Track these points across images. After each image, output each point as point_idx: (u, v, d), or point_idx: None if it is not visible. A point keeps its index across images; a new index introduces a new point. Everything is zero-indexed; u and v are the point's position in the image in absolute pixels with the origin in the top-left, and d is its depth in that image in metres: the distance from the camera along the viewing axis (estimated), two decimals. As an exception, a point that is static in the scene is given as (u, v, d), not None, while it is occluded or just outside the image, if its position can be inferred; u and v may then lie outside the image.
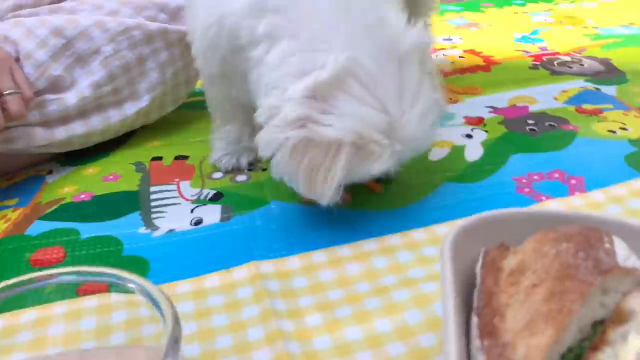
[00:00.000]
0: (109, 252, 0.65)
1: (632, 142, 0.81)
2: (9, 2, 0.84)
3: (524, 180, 0.74)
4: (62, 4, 0.83)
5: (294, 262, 0.61)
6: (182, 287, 0.58)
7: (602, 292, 0.39)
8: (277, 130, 0.58)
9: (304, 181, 0.59)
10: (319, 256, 0.62)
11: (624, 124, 0.87)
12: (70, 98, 0.79)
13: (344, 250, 0.63)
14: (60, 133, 0.80)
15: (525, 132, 0.87)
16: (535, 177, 0.75)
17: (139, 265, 0.62)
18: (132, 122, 0.87)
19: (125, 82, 0.84)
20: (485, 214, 0.49)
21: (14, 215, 0.72)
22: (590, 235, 0.43)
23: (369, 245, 0.63)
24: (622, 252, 0.42)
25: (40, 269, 0.61)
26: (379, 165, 0.58)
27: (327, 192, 0.58)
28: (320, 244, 0.64)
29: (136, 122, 0.88)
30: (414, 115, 0.59)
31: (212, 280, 0.59)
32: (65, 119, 0.80)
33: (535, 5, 1.57)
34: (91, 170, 0.82)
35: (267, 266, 0.60)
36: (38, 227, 0.69)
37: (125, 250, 0.65)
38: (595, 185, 0.71)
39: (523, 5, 1.57)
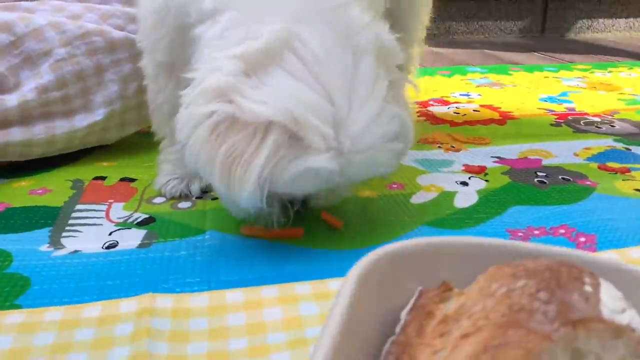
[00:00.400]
0: (-9, 267, 0.53)
1: (663, 203, 0.66)
2: None
3: (520, 234, 0.60)
4: (20, 2, 0.76)
5: (201, 300, 0.48)
6: (52, 314, 0.46)
7: (570, 353, 0.24)
8: (198, 105, 0.47)
9: (220, 171, 0.47)
10: (235, 295, 0.48)
11: (656, 184, 0.72)
12: (11, 100, 0.71)
13: (270, 291, 0.49)
14: None
15: (532, 184, 0.72)
16: (536, 231, 0.60)
17: (17, 284, 0.50)
18: (84, 137, 0.78)
19: (77, 90, 0.75)
20: (427, 239, 0.35)
21: None
22: (563, 272, 0.28)
23: (303, 288, 0.49)
24: (612, 302, 0.28)
25: None
26: (318, 163, 0.46)
27: (245, 188, 0.46)
28: (245, 282, 0.51)
29: (89, 139, 0.79)
30: (363, 117, 0.47)
31: (92, 310, 0.46)
32: (3, 122, 0.71)
33: (569, 72, 1.45)
34: (23, 183, 0.72)
35: (165, 301, 0.47)
36: None
37: (12, 266, 0.53)
38: (609, 246, 0.56)
39: (556, 72, 1.46)
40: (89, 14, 0.77)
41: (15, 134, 0.72)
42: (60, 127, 0.75)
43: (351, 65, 0.47)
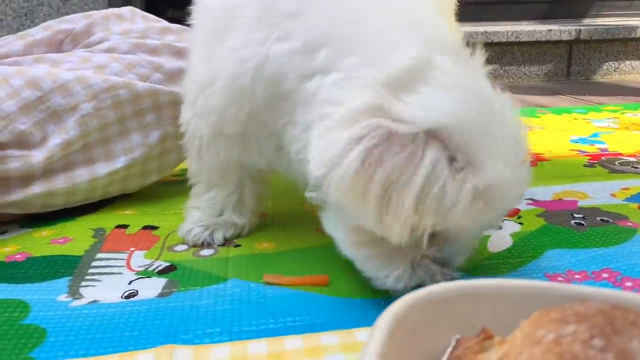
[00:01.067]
0: (8, 317, 0.52)
1: None
2: (1, 50, 0.79)
3: (560, 278, 0.56)
4: (49, 55, 0.77)
5: (222, 351, 0.45)
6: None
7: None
8: (345, 127, 0.43)
9: (375, 204, 0.42)
10: (258, 347, 0.46)
11: (703, 225, 0.68)
12: (37, 156, 0.71)
13: (294, 342, 0.46)
14: (17, 194, 0.70)
15: (569, 226, 0.69)
16: (577, 276, 0.57)
17: (33, 336, 0.49)
18: (106, 186, 0.77)
19: (97, 139, 0.75)
20: (465, 283, 0.33)
21: None
22: (618, 317, 0.25)
23: (329, 338, 0.46)
24: (678, 351, 0.24)
25: None
26: (497, 176, 0.43)
27: (401, 218, 0.41)
28: (269, 332, 0.48)
29: (111, 188, 0.78)
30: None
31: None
32: (27, 178, 0.71)
33: (598, 114, 1.41)
34: (45, 232, 0.71)
35: (184, 353, 0.45)
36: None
37: (30, 317, 0.52)
38: (660, 291, 0.52)
39: (585, 113, 1.43)
40: (114, 63, 0.77)
41: (37, 187, 0.72)
42: (81, 176, 0.74)
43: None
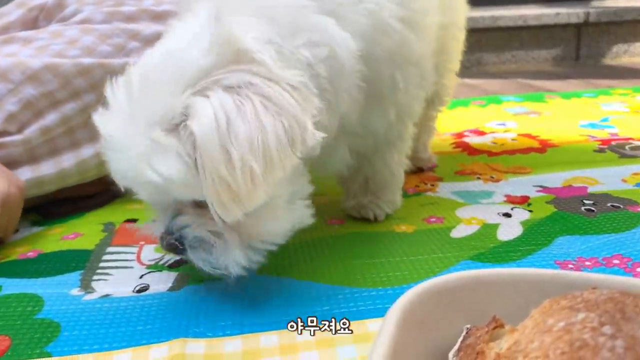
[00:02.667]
0: (23, 312, 0.52)
1: None
2: None
3: (570, 266, 0.56)
4: (19, 34, 0.76)
5: (234, 344, 0.46)
6: (82, 362, 0.44)
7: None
8: None
9: None
10: (270, 339, 0.46)
11: None
12: (13, 140, 0.71)
13: (306, 334, 0.46)
14: None
15: (579, 212, 0.69)
16: (588, 262, 0.56)
17: (47, 331, 0.49)
18: (97, 166, 0.76)
19: (80, 121, 0.74)
20: (472, 272, 0.33)
21: (-54, 266, 0.62)
22: (628, 303, 0.25)
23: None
24: (689, 337, 0.24)
25: None
26: None
27: None
28: (280, 324, 0.48)
29: (102, 170, 0.77)
30: None
31: (122, 357, 0.45)
32: (10, 163, 0.71)
33: (608, 97, 1.40)
34: (56, 230, 0.72)
35: (197, 346, 0.45)
36: (-40, 281, 0.58)
37: (43, 312, 0.52)
38: (671, 276, 0.52)
39: (594, 97, 1.41)
40: (86, 36, 0.76)
41: (25, 173, 0.72)
42: (67, 160, 0.74)
43: None
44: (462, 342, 0.30)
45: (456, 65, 0.84)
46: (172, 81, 0.45)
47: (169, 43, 0.50)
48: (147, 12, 0.80)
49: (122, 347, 0.46)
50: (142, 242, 0.67)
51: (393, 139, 0.67)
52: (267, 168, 0.44)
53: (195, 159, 0.44)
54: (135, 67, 0.49)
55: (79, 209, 0.80)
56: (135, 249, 0.65)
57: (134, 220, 0.73)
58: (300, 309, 0.51)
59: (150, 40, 0.76)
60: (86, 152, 0.75)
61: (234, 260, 0.49)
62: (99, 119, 0.48)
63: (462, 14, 0.81)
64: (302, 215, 0.53)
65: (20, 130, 0.71)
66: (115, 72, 0.74)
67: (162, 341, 0.46)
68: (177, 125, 0.44)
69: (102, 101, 0.75)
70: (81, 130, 0.75)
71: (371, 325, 0.47)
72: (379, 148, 0.67)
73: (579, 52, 2.06)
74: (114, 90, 0.48)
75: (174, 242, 0.50)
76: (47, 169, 0.73)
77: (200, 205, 0.48)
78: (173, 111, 0.44)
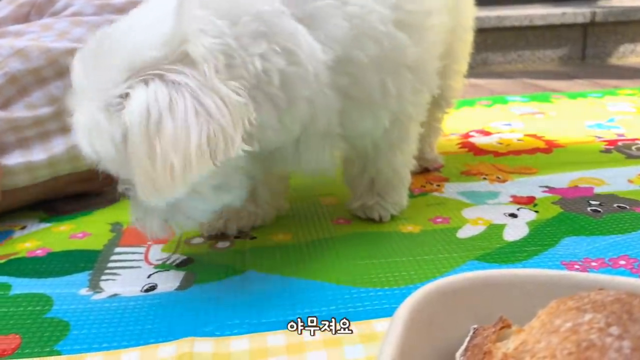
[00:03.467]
0: (32, 311, 0.53)
1: None
2: None
3: (577, 266, 0.56)
4: (9, 28, 0.77)
5: (241, 343, 0.46)
6: (90, 360, 0.45)
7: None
8: None
9: None
10: (277, 338, 0.46)
11: None
12: None
13: (308, 334, 0.46)
14: None
15: (585, 213, 0.69)
16: (594, 263, 0.57)
17: (57, 329, 0.50)
18: None
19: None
20: (479, 272, 0.33)
21: (-42, 264, 0.63)
22: (635, 304, 0.25)
23: (353, 328, 0.47)
24: (696, 338, 0.24)
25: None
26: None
27: None
28: (286, 323, 0.48)
29: None
30: None
31: (131, 356, 0.45)
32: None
33: (614, 97, 1.40)
34: (63, 227, 0.73)
35: (205, 345, 0.46)
36: (-30, 279, 0.59)
37: (53, 311, 0.53)
38: (678, 277, 0.52)
39: (600, 97, 1.41)
40: (76, 28, 0.76)
41: (15, 158, 0.72)
42: (58, 146, 0.75)
43: None
44: (469, 342, 0.30)
45: (463, 67, 0.84)
46: (121, 65, 0.47)
47: (131, 20, 0.52)
48: (135, 3, 0.80)
49: (130, 346, 0.47)
50: (149, 242, 0.67)
51: (394, 141, 0.67)
52: (186, 168, 0.45)
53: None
54: (98, 39, 0.51)
55: (87, 206, 0.80)
56: (142, 249, 0.65)
57: (142, 220, 0.73)
58: (307, 309, 0.51)
59: None
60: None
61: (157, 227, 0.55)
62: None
63: (470, 15, 0.81)
64: (232, 199, 0.56)
65: (5, 105, 0.71)
66: None
67: (170, 340, 0.47)
68: (114, 107, 0.47)
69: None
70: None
71: (378, 325, 0.47)
72: (380, 149, 0.67)
73: (585, 51, 2.05)
74: (75, 64, 0.51)
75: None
76: (37, 154, 0.73)
77: None
78: (113, 93, 0.47)
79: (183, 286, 0.57)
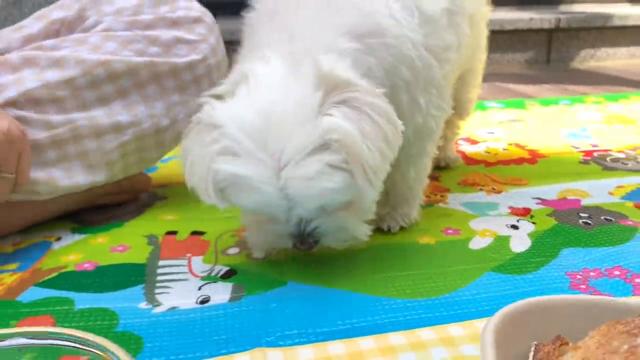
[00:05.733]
0: (101, 325, 0.57)
1: None
2: None
3: (579, 276, 0.65)
4: (44, 43, 0.79)
5: (307, 353, 0.52)
6: None
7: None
8: None
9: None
10: (337, 347, 0.53)
11: (693, 222, 0.77)
12: (38, 133, 0.74)
13: (368, 342, 0.53)
14: (39, 171, 0.74)
15: (578, 226, 0.78)
16: (592, 273, 0.65)
17: (131, 343, 0.55)
18: (123, 156, 0.80)
19: (103, 113, 0.77)
20: (534, 299, 0.40)
21: (10, 279, 0.66)
22: (676, 331, 0.33)
23: (397, 338, 0.54)
24: None
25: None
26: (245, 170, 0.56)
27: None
28: (340, 333, 0.55)
29: (129, 159, 0.81)
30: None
31: (211, 365, 0.51)
32: (37, 155, 0.74)
33: (583, 105, 1.51)
34: (100, 239, 0.77)
35: (276, 355, 0.52)
36: (32, 294, 0.63)
37: (120, 325, 0.58)
38: (666, 287, 0.61)
39: (570, 104, 1.52)
40: (109, 42, 0.79)
41: (51, 154, 0.75)
42: (92, 149, 0.77)
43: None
44: (533, 356, 0.38)
45: (479, 81, 0.96)
46: (297, 117, 0.55)
47: (264, 90, 0.57)
48: (164, 19, 0.83)
49: (205, 357, 0.52)
50: (188, 255, 0.72)
51: (412, 157, 0.74)
52: (384, 159, 0.58)
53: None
54: (236, 117, 0.57)
55: (112, 217, 0.84)
56: (185, 262, 0.70)
57: (175, 233, 0.78)
58: (355, 319, 0.57)
59: (170, 44, 0.82)
60: (108, 143, 0.78)
61: (362, 233, 0.64)
62: (226, 166, 0.56)
63: (484, 35, 0.91)
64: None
65: (38, 106, 0.74)
66: (137, 67, 0.78)
67: (242, 351, 0.53)
68: (324, 146, 0.55)
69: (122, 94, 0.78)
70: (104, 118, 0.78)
71: (422, 334, 0.54)
72: (399, 163, 0.74)
73: (549, 55, 2.18)
74: (229, 137, 0.56)
75: (312, 243, 0.62)
76: (75, 165, 0.76)
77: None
78: (315, 137, 0.54)
79: (235, 298, 0.62)
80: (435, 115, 0.71)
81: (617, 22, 2.16)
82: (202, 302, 0.62)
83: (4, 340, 0.37)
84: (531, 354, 0.38)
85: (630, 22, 2.18)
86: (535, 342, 0.39)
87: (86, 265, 0.70)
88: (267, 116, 0.55)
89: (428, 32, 0.66)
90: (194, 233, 0.78)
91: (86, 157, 0.77)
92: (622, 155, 1.08)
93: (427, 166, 0.78)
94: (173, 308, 0.61)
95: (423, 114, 0.69)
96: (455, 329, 0.55)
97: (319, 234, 0.61)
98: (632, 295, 0.61)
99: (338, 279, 0.66)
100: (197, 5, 0.85)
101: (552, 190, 0.91)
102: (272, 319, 0.58)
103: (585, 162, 1.05)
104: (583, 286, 0.62)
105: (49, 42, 0.79)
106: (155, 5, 0.83)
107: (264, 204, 0.57)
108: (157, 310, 0.60)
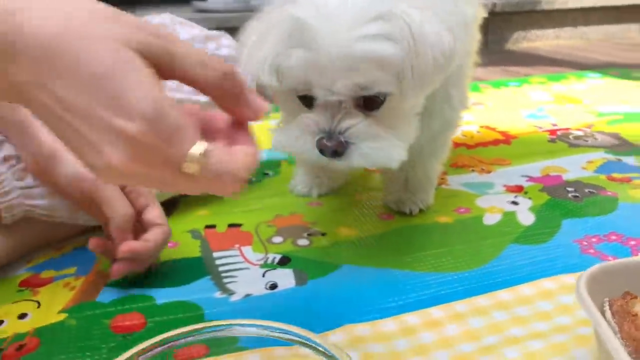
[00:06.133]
0: (190, 317, 0.62)
1: (673, 206, 0.86)
2: None
3: (584, 243, 0.76)
4: None
5: (390, 325, 0.60)
6: (278, 352, 0.56)
7: None
8: None
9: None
10: (413, 318, 0.61)
11: (657, 190, 0.92)
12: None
13: (436, 312, 0.62)
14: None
15: (568, 199, 0.90)
16: (594, 239, 0.77)
17: (225, 331, 0.60)
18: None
19: None
20: (605, 264, 0.50)
21: (77, 283, 0.69)
22: None
23: (461, 307, 0.63)
24: None
25: (124, 335, 0.58)
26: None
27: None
28: (401, 307, 0.63)
29: None
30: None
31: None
32: None
33: (530, 86, 1.66)
34: (144, 238, 0.80)
35: (364, 329, 0.59)
36: (109, 295, 0.66)
37: (207, 314, 0.62)
38: (657, 246, 0.74)
39: (519, 86, 1.67)
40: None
41: None
42: None
43: None
44: (609, 309, 0.48)
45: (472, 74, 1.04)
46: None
47: None
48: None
49: (303, 336, 0.58)
50: (237, 245, 0.77)
51: (436, 148, 0.83)
52: (434, 71, 0.60)
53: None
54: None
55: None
56: (236, 252, 0.76)
57: (214, 226, 0.83)
58: (413, 293, 0.65)
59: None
60: None
61: (396, 154, 0.62)
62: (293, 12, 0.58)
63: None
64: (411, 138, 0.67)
65: None
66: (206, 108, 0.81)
67: (334, 328, 0.59)
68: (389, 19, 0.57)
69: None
70: None
71: (458, 306, 0.63)
72: (422, 154, 0.83)
73: (487, 38, 2.33)
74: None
75: (341, 141, 0.60)
76: None
77: (364, 107, 0.61)
78: (382, 11, 0.57)
79: (300, 282, 0.69)
80: (459, 109, 0.80)
81: (545, 7, 2.35)
82: (271, 287, 0.68)
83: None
84: (606, 307, 0.48)
85: (556, 6, 2.38)
86: (607, 298, 0.49)
87: (145, 262, 0.73)
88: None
89: (467, 33, 0.74)
90: (231, 225, 0.83)
91: None
92: (581, 133, 1.22)
93: (445, 158, 0.87)
94: (248, 295, 0.66)
95: (452, 107, 0.77)
96: (505, 295, 0.64)
97: (351, 134, 0.60)
98: (631, 255, 0.73)
99: (384, 259, 0.73)
100: (235, 43, 0.89)
101: (534, 168, 1.03)
102: (343, 298, 0.65)
103: (552, 140, 1.18)
104: (591, 250, 0.74)
105: None
106: (206, 40, 0.87)
107: (312, 62, 0.57)
108: (234, 298, 0.66)
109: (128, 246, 0.63)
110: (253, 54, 0.62)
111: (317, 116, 0.61)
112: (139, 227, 0.68)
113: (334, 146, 0.60)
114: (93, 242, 0.65)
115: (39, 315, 0.63)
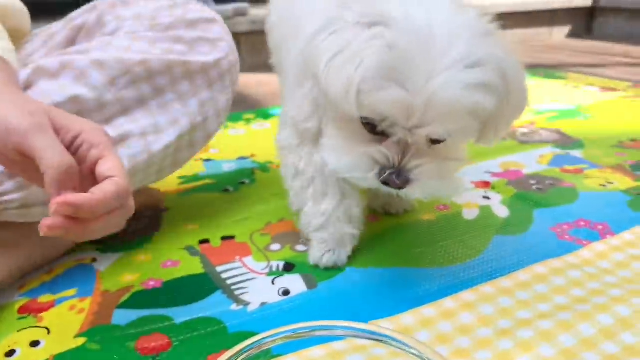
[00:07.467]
0: (213, 331, 0.62)
1: (624, 192, 0.95)
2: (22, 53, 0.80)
3: (559, 230, 0.83)
4: (73, 48, 0.78)
5: (408, 318, 0.63)
6: (315, 352, 0.58)
7: None
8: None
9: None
10: (429, 311, 0.65)
11: (607, 179, 1.01)
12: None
13: (449, 303, 0.66)
14: None
15: (534, 191, 0.97)
16: (565, 226, 0.84)
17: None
18: (161, 160, 0.79)
19: (143, 114, 0.77)
20: None
21: (83, 305, 0.67)
22: None
23: (468, 296, 0.67)
24: None
25: (153, 357, 0.58)
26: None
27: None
28: (412, 300, 0.67)
29: (165, 163, 0.81)
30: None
31: (343, 344, 0.60)
32: None
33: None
34: (142, 257, 0.79)
35: (387, 324, 0.62)
36: (123, 316, 0.65)
37: (231, 326, 0.63)
38: (620, 228, 0.82)
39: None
40: (136, 43, 0.79)
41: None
42: (141, 155, 0.76)
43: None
44: None
45: None
46: (457, 35, 0.55)
47: (414, 12, 0.56)
48: (182, 20, 0.83)
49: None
50: (237, 257, 0.78)
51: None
52: (519, 114, 0.64)
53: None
54: (407, 15, 0.56)
55: (126, 235, 0.85)
56: (239, 264, 0.76)
57: (207, 241, 0.83)
58: (422, 287, 0.69)
59: (194, 44, 0.82)
60: (155, 146, 0.77)
61: (454, 190, 0.63)
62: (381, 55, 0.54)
63: None
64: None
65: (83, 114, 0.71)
66: (171, 64, 0.78)
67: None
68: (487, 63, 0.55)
69: (159, 93, 0.77)
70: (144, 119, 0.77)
71: (466, 296, 0.67)
72: None
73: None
74: (397, 31, 0.55)
75: (407, 177, 0.59)
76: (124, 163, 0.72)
77: (433, 143, 0.60)
78: (481, 56, 0.55)
79: (311, 286, 0.70)
80: None
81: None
82: (284, 293, 0.69)
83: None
84: None
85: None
86: None
87: (152, 283, 0.72)
88: (430, 23, 0.55)
89: None
90: (225, 238, 0.84)
91: (135, 160, 0.75)
92: (526, 130, 1.32)
93: None
94: (264, 303, 0.67)
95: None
96: (506, 282, 0.70)
97: (419, 173, 0.59)
98: (601, 239, 0.80)
99: (387, 259, 0.77)
100: (207, 8, 0.87)
101: (494, 165, 1.10)
102: (353, 299, 0.68)
103: (502, 138, 1.27)
104: (567, 237, 0.81)
105: (78, 47, 0.77)
106: (171, 9, 0.84)
107: (405, 104, 0.54)
108: (251, 308, 0.66)
109: (63, 198, 0.49)
110: (335, 73, 0.57)
111: (388, 150, 0.59)
112: (90, 184, 0.55)
113: (401, 183, 0.60)
114: (45, 225, 0.49)
115: (53, 342, 0.61)
